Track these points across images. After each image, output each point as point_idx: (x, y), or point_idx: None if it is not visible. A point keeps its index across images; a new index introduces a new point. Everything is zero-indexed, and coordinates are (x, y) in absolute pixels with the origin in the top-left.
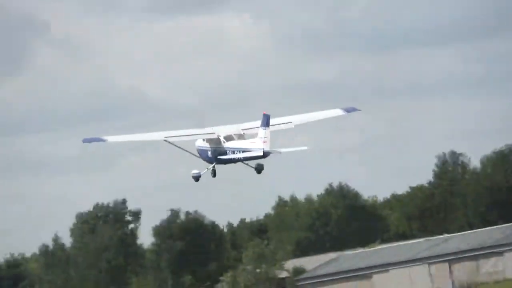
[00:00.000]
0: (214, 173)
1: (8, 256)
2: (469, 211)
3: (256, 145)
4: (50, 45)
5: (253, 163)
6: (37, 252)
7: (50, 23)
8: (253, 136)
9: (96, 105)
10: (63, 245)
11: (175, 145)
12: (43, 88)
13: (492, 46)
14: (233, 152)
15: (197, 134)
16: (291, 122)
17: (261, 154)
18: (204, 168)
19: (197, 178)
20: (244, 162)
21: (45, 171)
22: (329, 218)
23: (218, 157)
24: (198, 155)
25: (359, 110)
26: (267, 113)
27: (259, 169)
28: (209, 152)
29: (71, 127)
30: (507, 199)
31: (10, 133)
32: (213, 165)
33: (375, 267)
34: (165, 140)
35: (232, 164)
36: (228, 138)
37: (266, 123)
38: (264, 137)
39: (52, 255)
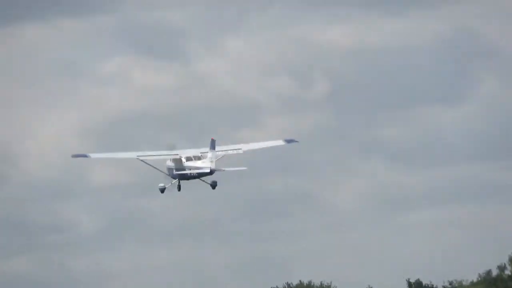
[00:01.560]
0: (179, 188)
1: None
2: None
3: (205, 164)
4: None
5: (209, 179)
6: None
7: None
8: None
9: None
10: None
11: (146, 163)
12: None
13: None
14: (190, 169)
15: (164, 155)
16: (240, 148)
17: (209, 171)
18: (168, 182)
19: (162, 190)
20: (200, 178)
21: None
22: None
23: (179, 172)
24: (167, 172)
25: (297, 141)
26: (214, 138)
27: (213, 185)
28: (174, 170)
29: None
30: None
31: None
32: (177, 180)
33: None
34: (137, 158)
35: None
36: (188, 158)
37: (213, 146)
38: (211, 158)
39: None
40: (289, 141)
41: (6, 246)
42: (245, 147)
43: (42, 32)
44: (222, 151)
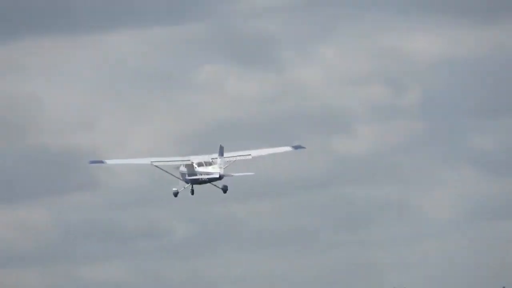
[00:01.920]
0: (192, 192)
1: None
2: None
3: (215, 170)
4: None
5: (220, 184)
6: None
7: None
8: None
9: None
10: None
11: (160, 168)
12: None
13: None
14: (201, 174)
15: (177, 161)
16: (250, 154)
17: (218, 176)
18: (181, 186)
19: (175, 194)
20: (211, 183)
21: None
22: None
23: (191, 177)
24: (180, 177)
25: (304, 147)
26: (222, 145)
27: (224, 189)
28: (186, 175)
29: None
30: None
31: None
32: (189, 185)
33: None
34: (151, 164)
35: None
36: (199, 164)
37: (221, 153)
38: (220, 164)
39: None
40: (296, 147)
41: (99, 252)
42: (254, 153)
43: (135, 39)
44: (232, 157)
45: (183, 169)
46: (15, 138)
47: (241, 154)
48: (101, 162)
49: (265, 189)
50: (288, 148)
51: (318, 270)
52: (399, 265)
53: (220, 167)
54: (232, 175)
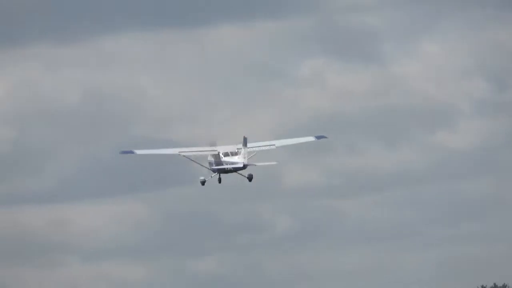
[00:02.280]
0: (219, 181)
1: None
2: None
3: (239, 159)
4: None
5: (246, 173)
6: None
7: None
8: (250, 153)
9: None
10: None
11: (188, 158)
12: None
13: None
14: (226, 164)
15: (204, 150)
16: (274, 144)
17: (242, 166)
18: (208, 175)
19: (203, 182)
20: (236, 171)
21: None
22: None
23: (217, 167)
24: (208, 166)
25: (326, 137)
26: (246, 136)
27: (249, 178)
28: (213, 164)
29: None
30: None
31: None
32: (216, 173)
33: None
34: (179, 154)
35: None
36: (225, 154)
37: (245, 143)
38: (244, 154)
39: None
40: (319, 137)
41: (201, 245)
42: (278, 143)
43: (239, 33)
44: (256, 147)
45: (210, 158)
46: (120, 131)
47: (266, 144)
48: (131, 152)
49: (367, 184)
50: (311, 138)
51: (423, 265)
52: (500, 260)
53: (244, 157)
54: (255, 165)
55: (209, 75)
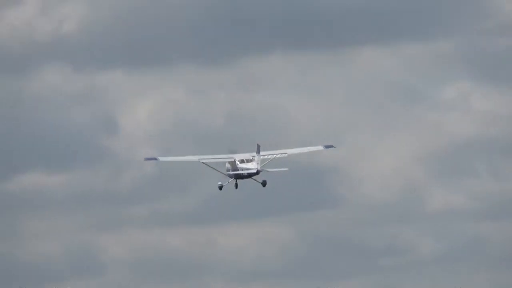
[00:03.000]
0: (236, 186)
1: None
2: None
3: (253, 166)
4: None
5: (260, 179)
6: None
7: None
8: (264, 160)
9: None
10: None
11: (207, 165)
12: None
13: None
14: (242, 170)
15: (222, 158)
16: (286, 153)
17: (255, 171)
18: (225, 181)
19: (220, 187)
20: (251, 177)
21: None
22: None
23: (234, 172)
24: (225, 172)
25: (334, 147)
26: (259, 144)
27: (263, 183)
28: (230, 170)
29: None
30: None
31: None
32: (233, 179)
33: None
34: (199, 161)
35: None
36: (241, 161)
37: (258, 151)
38: (257, 161)
39: None
40: (327, 147)
41: (344, 268)
42: (289, 151)
43: (380, 55)
44: (269, 155)
45: (227, 165)
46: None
47: (279, 152)
48: (155, 159)
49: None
50: (320, 147)
51: None
52: None
53: (258, 163)
54: (267, 170)
55: (352, 97)
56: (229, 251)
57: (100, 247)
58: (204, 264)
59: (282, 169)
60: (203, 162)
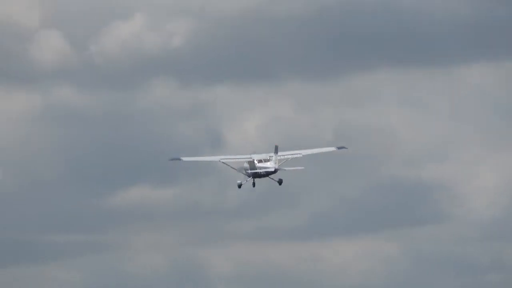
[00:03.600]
0: (253, 185)
1: None
2: None
3: (271, 165)
4: None
5: (276, 177)
6: None
7: None
8: (280, 160)
9: None
10: None
11: (227, 165)
12: None
13: None
14: (260, 169)
15: (241, 158)
16: (300, 153)
17: (273, 170)
18: (244, 179)
19: (239, 185)
20: (268, 176)
21: None
22: None
23: (252, 171)
24: (244, 171)
25: (346, 148)
26: (277, 145)
27: (280, 182)
28: (249, 170)
29: None
30: None
31: None
32: (251, 178)
33: None
34: (220, 161)
35: None
36: (259, 161)
37: (276, 151)
38: (275, 160)
39: None
40: (339, 148)
41: (447, 285)
42: (303, 152)
43: (487, 71)
44: (285, 155)
45: (246, 165)
46: (369, 169)
47: (293, 152)
48: (179, 159)
49: None
50: (332, 148)
51: None
52: None
53: (275, 163)
54: (285, 169)
55: (458, 113)
56: (333, 266)
57: (206, 261)
58: (308, 279)
59: (298, 167)
60: (223, 162)
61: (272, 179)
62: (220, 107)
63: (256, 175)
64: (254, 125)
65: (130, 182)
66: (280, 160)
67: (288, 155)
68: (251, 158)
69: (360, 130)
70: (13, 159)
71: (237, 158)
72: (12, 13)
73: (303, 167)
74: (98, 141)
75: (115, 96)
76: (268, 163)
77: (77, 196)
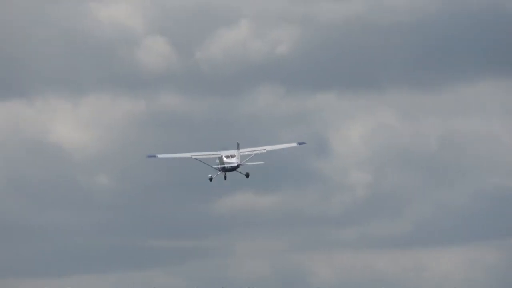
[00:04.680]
0: (225, 177)
1: None
2: None
3: (235, 160)
4: None
5: (244, 171)
6: None
7: None
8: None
9: None
10: None
11: (199, 160)
12: None
13: None
14: (226, 164)
15: (211, 154)
16: (264, 149)
17: (236, 165)
18: (215, 173)
19: (210, 179)
20: (235, 170)
21: None
22: None
23: (221, 166)
24: (215, 166)
25: (305, 143)
26: (239, 142)
27: (247, 175)
28: (218, 164)
29: None
30: None
31: None
32: (221, 172)
33: None
34: (192, 157)
35: None
36: (227, 157)
37: (238, 148)
38: (237, 156)
39: None
40: (300, 143)
41: None
42: (268, 148)
43: None
44: (249, 151)
45: (216, 161)
46: (474, 179)
47: (258, 149)
48: (154, 156)
49: None
50: (294, 144)
51: None
52: None
53: (238, 158)
54: (246, 164)
55: None
56: (435, 275)
57: (308, 267)
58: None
59: (258, 162)
60: (195, 158)
61: (240, 172)
62: (325, 114)
63: (225, 169)
64: (359, 133)
65: (231, 190)
66: (246, 156)
67: (253, 151)
68: (219, 154)
69: (464, 139)
70: (118, 165)
71: (207, 155)
72: (118, 19)
73: (262, 162)
74: (202, 147)
75: (218, 103)
76: (234, 158)
77: (182, 203)
